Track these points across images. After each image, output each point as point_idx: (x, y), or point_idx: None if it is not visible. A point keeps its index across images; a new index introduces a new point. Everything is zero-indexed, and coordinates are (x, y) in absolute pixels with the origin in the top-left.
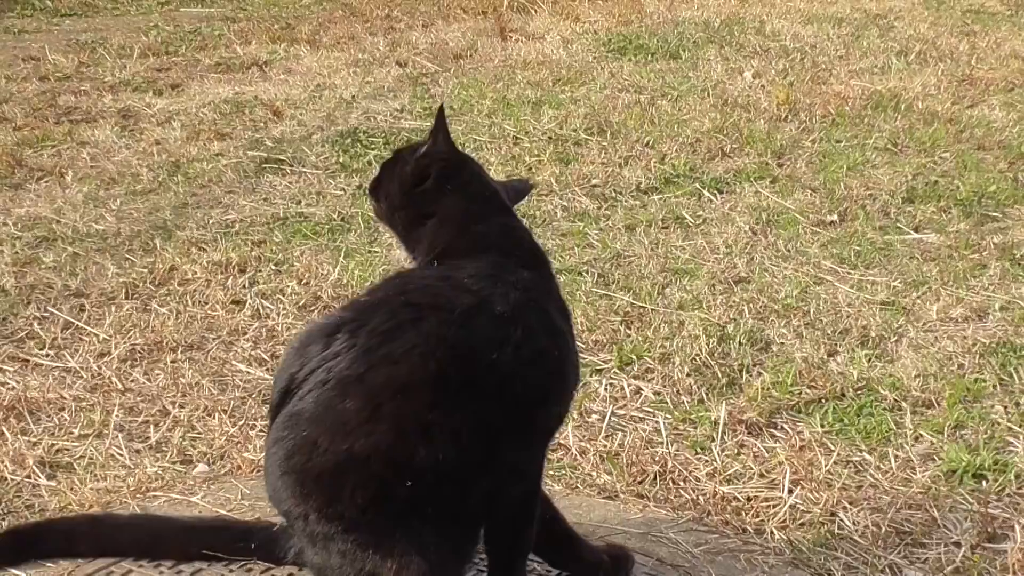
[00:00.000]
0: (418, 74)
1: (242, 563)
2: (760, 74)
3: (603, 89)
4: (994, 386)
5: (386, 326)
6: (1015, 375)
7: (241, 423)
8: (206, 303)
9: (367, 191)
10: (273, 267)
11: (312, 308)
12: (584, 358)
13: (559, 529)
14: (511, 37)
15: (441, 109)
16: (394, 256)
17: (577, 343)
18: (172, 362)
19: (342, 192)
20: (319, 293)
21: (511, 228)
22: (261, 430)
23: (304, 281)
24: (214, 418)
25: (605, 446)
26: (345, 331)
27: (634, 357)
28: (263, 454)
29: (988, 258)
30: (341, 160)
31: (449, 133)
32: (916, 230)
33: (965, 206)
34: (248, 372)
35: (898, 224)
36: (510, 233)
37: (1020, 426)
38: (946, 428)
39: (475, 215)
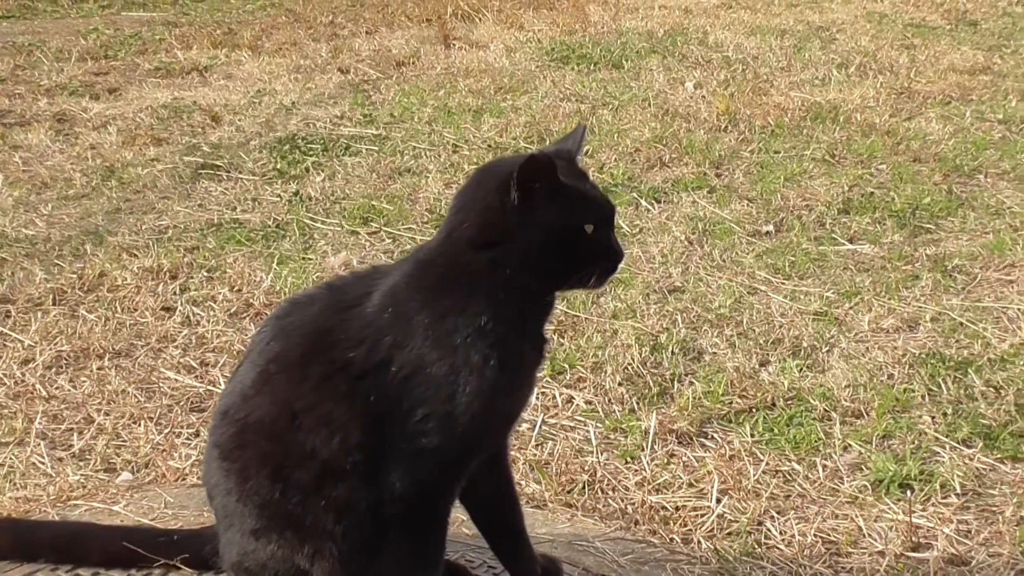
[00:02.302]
0: (360, 81)
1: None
2: (701, 84)
3: (544, 98)
4: (923, 396)
5: (301, 299)
6: (943, 386)
7: (167, 431)
8: (135, 310)
9: None
10: (205, 274)
11: (243, 315)
12: None
13: (513, 523)
14: (454, 45)
15: None
16: (329, 264)
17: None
18: (99, 369)
19: (278, 198)
20: (251, 300)
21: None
22: (187, 438)
23: (236, 288)
24: (140, 426)
25: (535, 455)
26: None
27: (567, 366)
28: (189, 462)
29: (920, 269)
30: (278, 166)
31: None
32: (851, 241)
33: (900, 218)
34: (176, 379)
35: (833, 235)
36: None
37: (947, 436)
38: (874, 438)
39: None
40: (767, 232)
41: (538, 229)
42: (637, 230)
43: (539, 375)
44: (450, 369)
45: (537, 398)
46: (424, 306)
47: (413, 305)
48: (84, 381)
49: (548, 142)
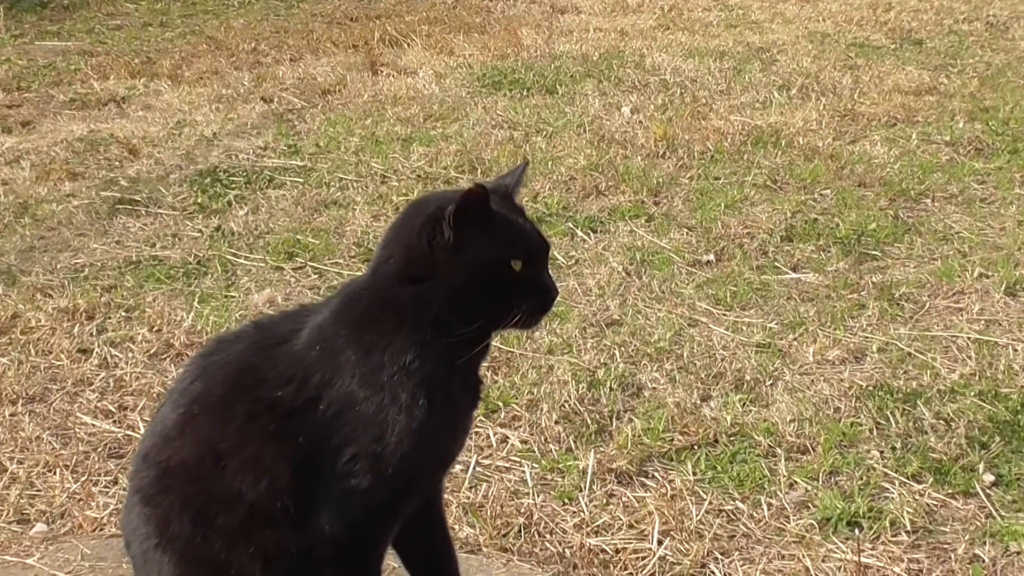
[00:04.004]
0: (284, 110)
1: None
2: (638, 109)
3: (476, 125)
4: (870, 430)
5: (227, 337)
6: (891, 419)
7: (84, 479)
8: (50, 352)
9: None
10: (123, 313)
11: (164, 356)
12: None
13: (447, 570)
14: (382, 71)
15: None
16: (253, 301)
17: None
18: (11, 415)
19: (199, 234)
20: (172, 340)
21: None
22: (105, 486)
23: (156, 328)
24: (55, 474)
25: (468, 498)
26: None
27: (500, 404)
28: (107, 511)
29: (867, 298)
30: (199, 200)
31: None
32: (794, 269)
33: (844, 244)
34: (93, 425)
35: (776, 263)
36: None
37: (896, 471)
38: (821, 474)
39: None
40: (707, 262)
41: (465, 264)
42: (573, 261)
43: (474, 416)
44: (378, 408)
45: (470, 438)
46: (350, 342)
47: (340, 341)
48: None
49: (480, 171)
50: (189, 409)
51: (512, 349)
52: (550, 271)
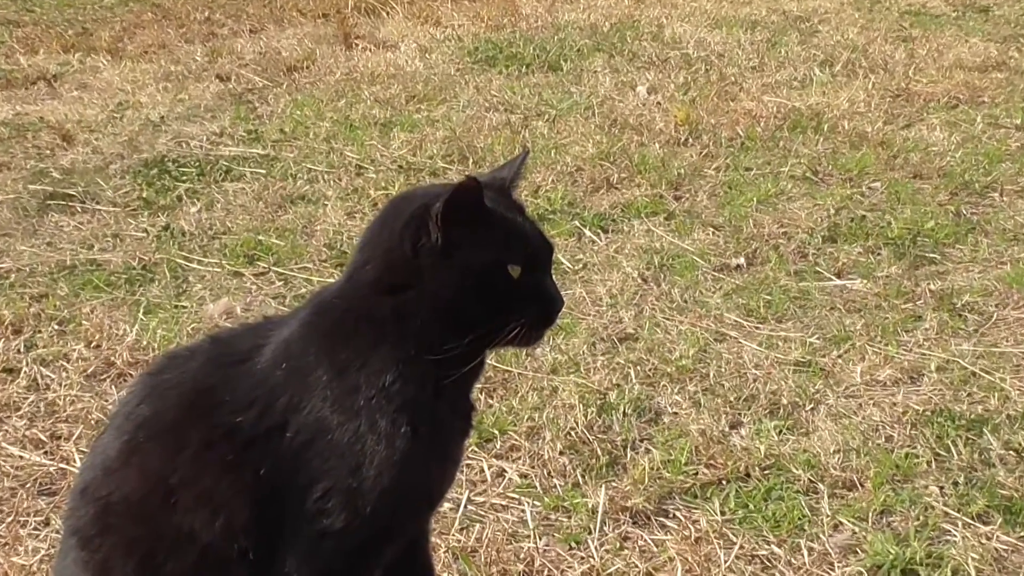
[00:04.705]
0: (243, 90)
1: None
2: (656, 89)
3: (467, 108)
4: (928, 463)
5: (180, 353)
6: (953, 449)
7: (10, 519)
8: None
9: None
10: (56, 327)
11: (103, 376)
12: None
13: None
14: (357, 45)
15: None
16: (207, 312)
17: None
18: None
19: (144, 234)
20: (112, 358)
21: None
22: (35, 527)
23: (94, 343)
24: None
25: (459, 541)
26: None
27: (496, 432)
28: (37, 557)
29: (923, 308)
30: (145, 195)
31: None
32: (838, 275)
33: (897, 246)
34: (21, 456)
35: (817, 268)
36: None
37: (958, 510)
38: (870, 514)
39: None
40: (737, 266)
41: (454, 270)
42: (580, 266)
43: (465, 446)
44: (353, 436)
45: (461, 471)
46: (321, 360)
47: (310, 359)
48: None
49: (472, 162)
50: (134, 436)
51: (509, 368)
52: (554, 278)
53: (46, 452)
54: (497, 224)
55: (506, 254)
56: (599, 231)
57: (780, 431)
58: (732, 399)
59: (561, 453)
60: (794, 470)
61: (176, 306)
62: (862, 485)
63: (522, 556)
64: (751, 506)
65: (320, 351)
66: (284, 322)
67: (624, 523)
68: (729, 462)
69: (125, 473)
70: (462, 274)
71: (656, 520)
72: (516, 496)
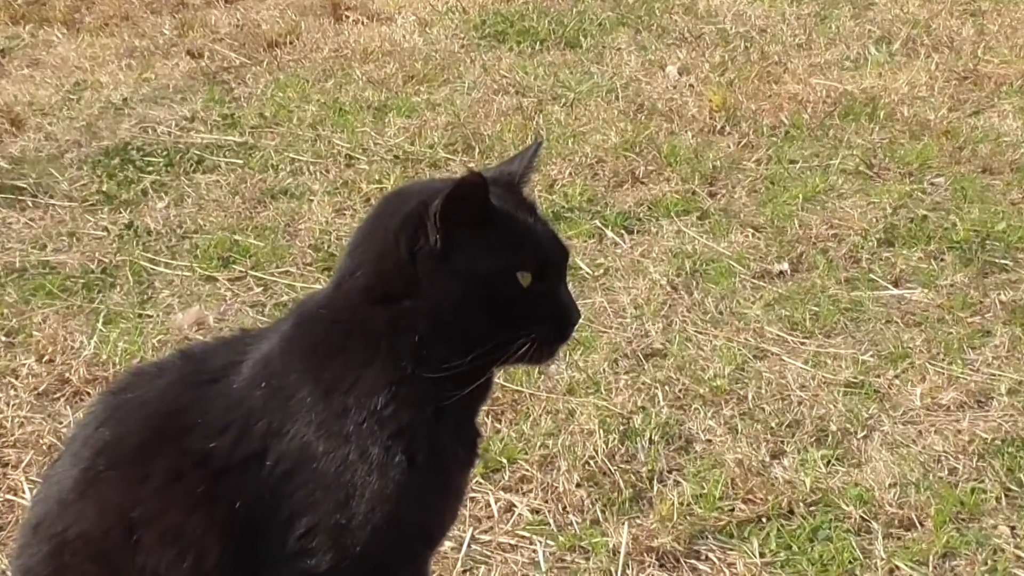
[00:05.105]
0: (217, 68)
1: None
2: (689, 69)
3: (472, 90)
4: (997, 498)
5: (147, 370)
6: None
7: None
8: None
9: None
10: (3, 338)
11: (57, 395)
12: None
13: None
14: (347, 17)
15: None
16: (176, 323)
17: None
18: None
19: (104, 233)
20: (67, 374)
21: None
22: None
23: (47, 357)
24: None
25: None
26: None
27: (504, 461)
28: None
29: (992, 322)
30: (105, 188)
31: None
32: (896, 284)
33: (963, 251)
34: None
35: (871, 275)
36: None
37: None
38: (931, 557)
39: None
40: (780, 272)
41: (455, 277)
42: (601, 271)
43: (469, 477)
44: (342, 465)
45: (464, 506)
46: (306, 379)
47: (292, 378)
48: None
49: (478, 151)
50: (93, 464)
51: (520, 388)
52: (569, 286)
53: None
54: (505, 225)
55: (515, 259)
56: (623, 232)
57: (828, 461)
58: (773, 425)
59: (578, 485)
60: (844, 506)
61: (140, 315)
62: (922, 524)
63: None
64: (795, 547)
65: (304, 369)
66: (264, 335)
67: (650, 566)
68: (770, 497)
69: (82, 506)
70: (465, 282)
71: (686, 563)
72: (527, 534)
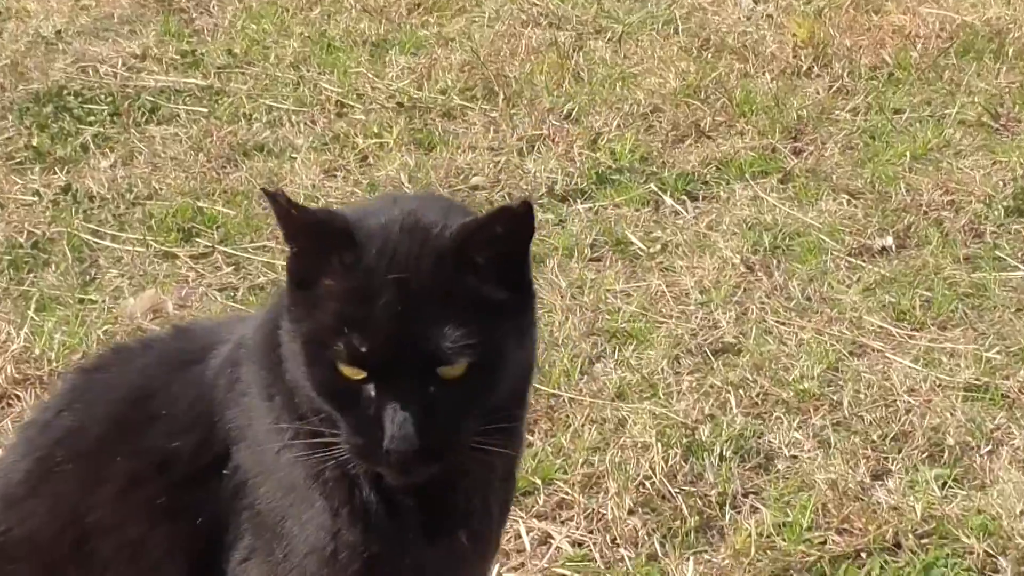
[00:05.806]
0: None
1: None
2: None
3: (495, 20)
4: None
5: (132, 347)
6: None
7: None
8: None
9: None
10: None
11: None
12: None
13: None
14: None
15: None
16: (127, 310)
17: None
18: None
19: (35, 198)
20: None
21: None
22: None
23: None
24: None
25: None
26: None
27: (538, 482)
28: None
29: None
30: (35, 143)
31: None
32: None
33: None
34: None
35: (997, 252)
36: None
37: None
38: None
39: None
40: (883, 249)
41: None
42: (658, 247)
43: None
44: (278, 489)
45: None
46: (257, 375)
47: (250, 369)
48: None
49: (502, 97)
50: (50, 454)
51: (556, 391)
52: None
53: None
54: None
55: (332, 336)
56: (685, 198)
57: (944, 483)
58: (875, 438)
59: (631, 512)
60: (964, 538)
61: (81, 300)
62: None
63: None
64: None
65: (259, 363)
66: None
67: None
68: (871, 526)
69: (32, 504)
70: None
71: None
72: (566, 573)
